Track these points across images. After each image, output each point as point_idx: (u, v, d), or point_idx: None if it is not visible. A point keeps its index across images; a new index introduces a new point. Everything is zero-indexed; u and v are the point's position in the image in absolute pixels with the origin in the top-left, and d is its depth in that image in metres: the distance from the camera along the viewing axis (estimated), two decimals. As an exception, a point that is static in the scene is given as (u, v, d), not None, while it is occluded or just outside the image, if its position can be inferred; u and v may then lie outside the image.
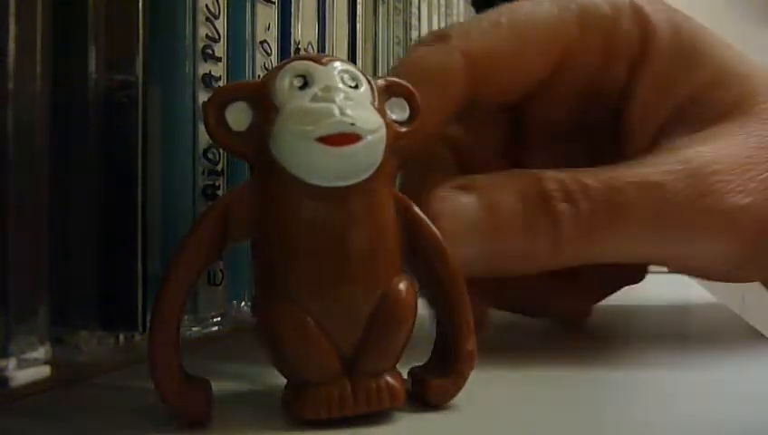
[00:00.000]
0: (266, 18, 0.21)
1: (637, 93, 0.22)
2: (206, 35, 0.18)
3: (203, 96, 0.18)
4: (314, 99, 0.14)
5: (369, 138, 0.14)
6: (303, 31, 0.23)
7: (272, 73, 0.15)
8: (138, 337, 0.16)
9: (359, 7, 0.28)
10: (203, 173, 0.18)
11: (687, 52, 0.22)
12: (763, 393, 0.18)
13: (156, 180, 0.17)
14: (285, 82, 0.14)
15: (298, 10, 0.23)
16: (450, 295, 0.16)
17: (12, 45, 0.13)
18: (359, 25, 0.28)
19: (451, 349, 0.16)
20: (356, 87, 0.15)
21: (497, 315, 0.25)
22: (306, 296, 0.14)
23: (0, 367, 0.13)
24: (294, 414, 0.15)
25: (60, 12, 0.14)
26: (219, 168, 0.18)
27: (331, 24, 0.25)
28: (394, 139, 0.15)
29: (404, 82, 0.16)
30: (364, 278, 0.14)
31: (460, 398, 0.16)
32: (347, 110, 0.14)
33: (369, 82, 0.15)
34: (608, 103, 0.23)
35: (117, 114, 0.16)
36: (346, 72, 0.15)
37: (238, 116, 0.14)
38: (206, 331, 0.18)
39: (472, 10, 0.49)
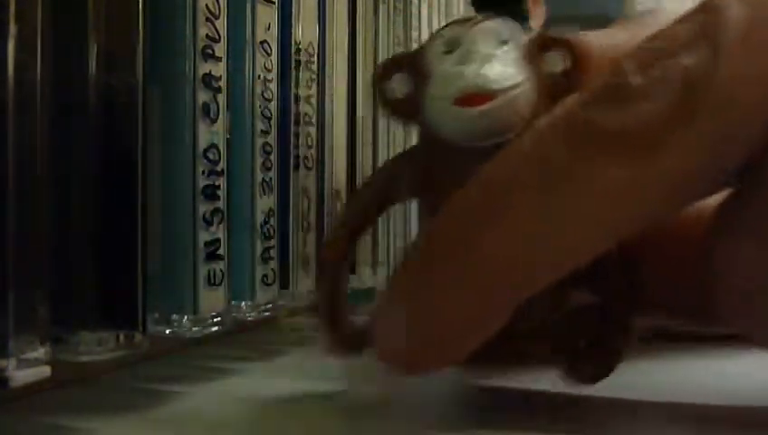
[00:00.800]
0: (266, 18, 0.21)
1: None
2: (206, 35, 0.18)
3: (203, 96, 0.18)
4: (453, 63, 0.14)
5: (505, 95, 0.14)
6: (303, 31, 0.23)
7: (427, 41, 0.15)
8: (138, 337, 0.16)
9: (359, 7, 0.28)
10: (203, 173, 0.18)
11: None
12: (763, 393, 0.18)
13: (156, 180, 0.17)
14: (435, 48, 0.15)
15: (298, 10, 0.23)
16: (610, 265, 0.15)
17: (12, 45, 0.13)
18: (359, 25, 0.28)
19: (608, 325, 0.16)
20: (503, 45, 0.15)
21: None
22: None
23: (0, 367, 0.13)
24: None
25: (60, 12, 0.14)
26: (219, 168, 0.18)
27: (331, 24, 0.25)
28: (550, 91, 0.15)
29: (560, 35, 0.15)
30: None
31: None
32: (481, 70, 0.14)
33: (521, 39, 0.15)
34: None
35: (117, 114, 0.16)
36: (493, 31, 0.15)
37: (398, 85, 0.15)
38: (206, 331, 0.18)
39: (472, 10, 0.49)
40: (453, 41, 0.15)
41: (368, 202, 0.16)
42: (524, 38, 0.15)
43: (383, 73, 0.16)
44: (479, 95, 0.14)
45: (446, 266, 0.13)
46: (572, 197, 0.12)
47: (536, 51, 0.15)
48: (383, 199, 0.16)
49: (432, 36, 0.15)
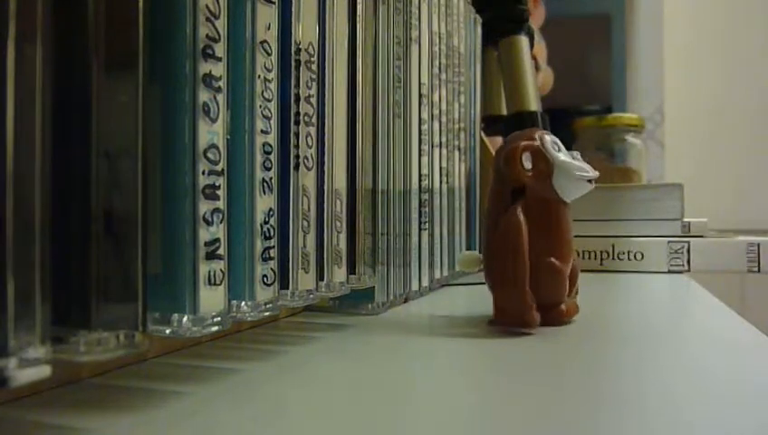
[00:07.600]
0: (266, 18, 0.21)
1: None
2: (206, 35, 0.18)
3: (203, 96, 0.18)
4: (573, 158, 0.28)
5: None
6: (303, 31, 0.23)
7: (537, 140, 0.28)
8: (138, 337, 0.16)
9: (359, 7, 0.28)
10: (203, 173, 0.18)
11: None
12: (763, 393, 0.18)
13: (156, 180, 0.17)
14: (549, 145, 0.27)
15: (298, 10, 0.23)
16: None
17: (12, 45, 0.13)
18: (359, 25, 0.28)
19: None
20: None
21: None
22: (563, 259, 0.28)
23: (0, 367, 0.13)
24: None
25: (60, 12, 0.14)
26: (219, 168, 0.18)
27: (331, 24, 0.25)
28: None
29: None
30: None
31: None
32: (584, 165, 0.27)
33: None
34: None
35: (117, 114, 0.16)
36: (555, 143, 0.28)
37: (527, 162, 0.27)
38: (205, 331, 0.18)
39: (472, 10, 0.49)
40: (553, 143, 0.27)
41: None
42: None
43: (519, 155, 0.27)
44: (593, 178, 0.27)
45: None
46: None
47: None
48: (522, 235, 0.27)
49: (538, 138, 0.27)
